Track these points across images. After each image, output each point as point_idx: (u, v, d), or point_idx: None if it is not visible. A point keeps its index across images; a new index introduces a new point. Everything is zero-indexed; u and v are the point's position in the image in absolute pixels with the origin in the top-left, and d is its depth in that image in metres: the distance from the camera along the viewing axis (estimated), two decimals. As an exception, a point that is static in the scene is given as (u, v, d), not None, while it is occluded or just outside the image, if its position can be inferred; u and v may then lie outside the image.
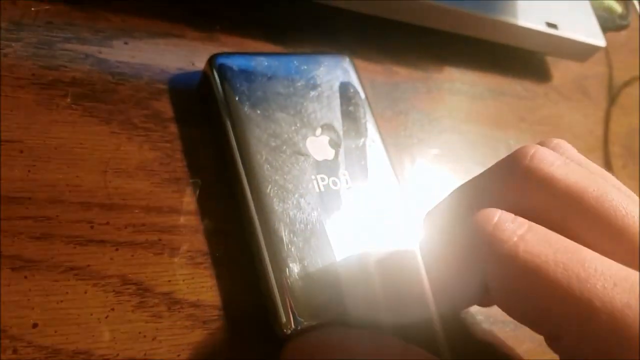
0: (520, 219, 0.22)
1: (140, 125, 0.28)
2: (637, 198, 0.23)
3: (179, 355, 0.25)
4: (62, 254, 0.25)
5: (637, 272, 0.20)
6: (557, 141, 0.26)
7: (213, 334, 0.26)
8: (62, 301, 0.24)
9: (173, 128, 0.29)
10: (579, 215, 0.22)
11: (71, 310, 0.24)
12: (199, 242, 0.27)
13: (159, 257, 0.26)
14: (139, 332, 0.25)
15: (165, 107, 0.29)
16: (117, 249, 0.26)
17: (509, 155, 0.25)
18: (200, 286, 0.26)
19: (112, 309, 0.25)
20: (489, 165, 0.26)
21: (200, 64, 0.30)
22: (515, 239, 0.21)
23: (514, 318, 0.22)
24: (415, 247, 0.29)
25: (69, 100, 0.28)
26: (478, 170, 0.26)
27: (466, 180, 0.27)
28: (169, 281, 0.26)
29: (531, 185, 0.23)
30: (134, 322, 0.25)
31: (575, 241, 0.22)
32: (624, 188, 0.24)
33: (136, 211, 0.27)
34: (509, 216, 0.22)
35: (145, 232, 0.26)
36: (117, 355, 0.24)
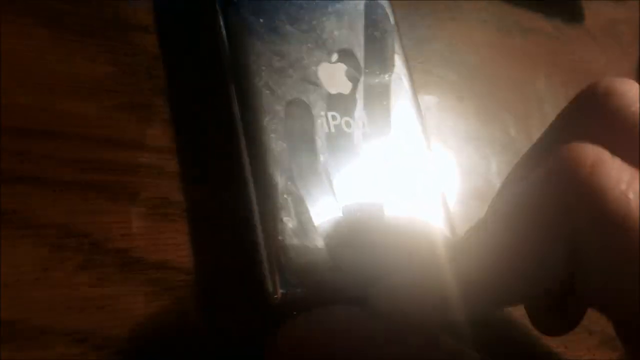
0: (618, 160, 0.15)
1: (97, 32, 0.22)
2: None
3: (134, 330, 0.19)
4: (-19, 194, 0.19)
5: None
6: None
7: (180, 304, 0.20)
8: (-21, 256, 0.18)
9: (139, 38, 0.23)
10: None
11: (-8, 268, 0.18)
12: (167, 187, 0.21)
13: (112, 204, 0.20)
14: (83, 299, 0.19)
15: (129, 12, 0.23)
16: (56, 191, 0.20)
17: (584, 92, 0.19)
18: (165, 243, 0.21)
19: (47, 269, 0.19)
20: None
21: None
22: (623, 186, 0.14)
23: (601, 301, 0.16)
24: (438, 214, 0.24)
25: (0, -8, 0.21)
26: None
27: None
28: (125, 235, 0.20)
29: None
30: (77, 286, 0.19)
31: None
32: None
33: (86, 143, 0.20)
34: (606, 153, 0.15)
35: (97, 171, 0.20)
36: (54, 327, 0.18)
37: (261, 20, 0.23)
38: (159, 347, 0.20)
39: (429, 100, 0.30)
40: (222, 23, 0.23)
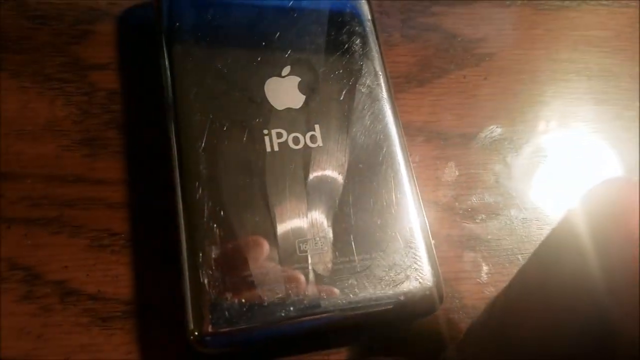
0: None
1: (55, 76, 0.24)
2: None
3: (67, 359, 0.20)
4: (-55, 233, 0.21)
5: None
6: None
7: (113, 335, 0.20)
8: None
9: (94, 77, 0.24)
10: None
11: (-53, 299, 0.20)
12: (109, 219, 0.22)
13: (55, 237, 0.21)
14: (22, 328, 0.20)
15: (87, 52, 0.24)
16: (9, 227, 0.21)
17: None
18: (103, 274, 0.21)
19: (-5, 299, 0.21)
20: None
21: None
22: None
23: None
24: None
25: (-25, 52, 0.24)
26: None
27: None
28: (65, 267, 0.21)
29: None
30: (18, 315, 0.20)
31: None
32: None
33: (36, 181, 0.22)
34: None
35: (44, 207, 0.22)
36: (-7, 355, 0.20)
37: (204, 44, 0.23)
38: (92, 377, 0.20)
39: (435, 117, 0.26)
40: (164, 49, 0.23)
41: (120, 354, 0.20)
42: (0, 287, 0.21)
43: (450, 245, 0.23)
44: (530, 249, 0.23)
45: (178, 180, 0.21)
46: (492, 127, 0.25)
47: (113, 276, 0.21)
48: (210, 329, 0.19)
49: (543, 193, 0.24)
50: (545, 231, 0.23)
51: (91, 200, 0.22)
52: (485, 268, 0.23)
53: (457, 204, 0.23)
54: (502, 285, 0.22)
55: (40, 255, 0.21)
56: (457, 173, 0.24)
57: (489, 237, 0.23)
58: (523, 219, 0.24)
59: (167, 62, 0.22)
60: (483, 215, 0.23)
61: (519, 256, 0.23)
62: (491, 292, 0.22)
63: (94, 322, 0.21)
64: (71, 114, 0.23)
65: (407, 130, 0.24)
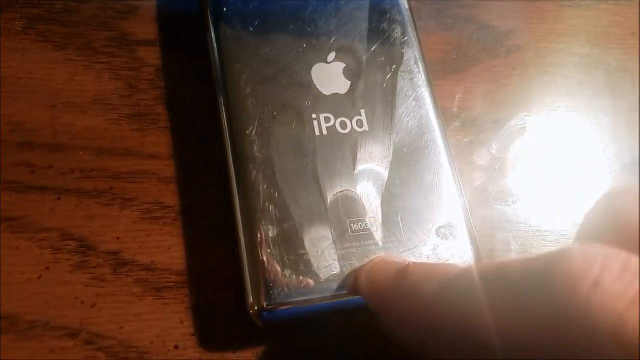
0: (632, 269, 0.13)
1: (102, 50, 0.24)
2: None
3: (121, 327, 0.20)
4: (-4, 203, 0.21)
5: None
6: None
7: (166, 305, 0.21)
8: (-9, 257, 0.20)
9: (141, 52, 0.24)
10: None
11: None
12: (160, 192, 0.22)
13: (107, 209, 0.22)
14: (76, 297, 0.21)
15: (134, 27, 0.24)
16: (59, 198, 0.22)
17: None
18: (156, 245, 0.22)
19: (47, 269, 0.21)
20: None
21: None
22: (621, 307, 0.12)
23: None
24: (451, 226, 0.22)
25: (22, 23, 0.24)
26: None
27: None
28: (118, 238, 0.21)
29: None
30: (72, 284, 0.21)
31: None
32: None
33: (86, 153, 0.22)
34: (616, 264, 0.13)
35: (95, 179, 0.22)
36: (48, 323, 0.20)
37: (252, 28, 0.23)
38: (146, 345, 0.20)
39: (466, 102, 0.27)
40: (212, 33, 0.23)
41: (174, 323, 0.21)
42: (55, 257, 0.21)
43: (484, 225, 0.24)
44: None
45: (232, 163, 0.21)
46: (521, 115, 0.26)
47: (166, 247, 0.22)
48: (268, 305, 0.20)
49: (567, 178, 0.26)
50: (568, 214, 0.25)
51: (142, 173, 0.22)
52: (514, 247, 0.24)
53: (490, 186, 0.25)
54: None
55: (93, 227, 0.21)
56: (489, 157, 0.25)
57: (519, 218, 0.24)
58: (548, 202, 0.25)
59: (215, 48, 0.23)
60: (514, 198, 0.25)
61: (546, 236, 0.25)
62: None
63: (147, 292, 0.21)
64: (119, 88, 0.23)
65: (444, 115, 0.25)
